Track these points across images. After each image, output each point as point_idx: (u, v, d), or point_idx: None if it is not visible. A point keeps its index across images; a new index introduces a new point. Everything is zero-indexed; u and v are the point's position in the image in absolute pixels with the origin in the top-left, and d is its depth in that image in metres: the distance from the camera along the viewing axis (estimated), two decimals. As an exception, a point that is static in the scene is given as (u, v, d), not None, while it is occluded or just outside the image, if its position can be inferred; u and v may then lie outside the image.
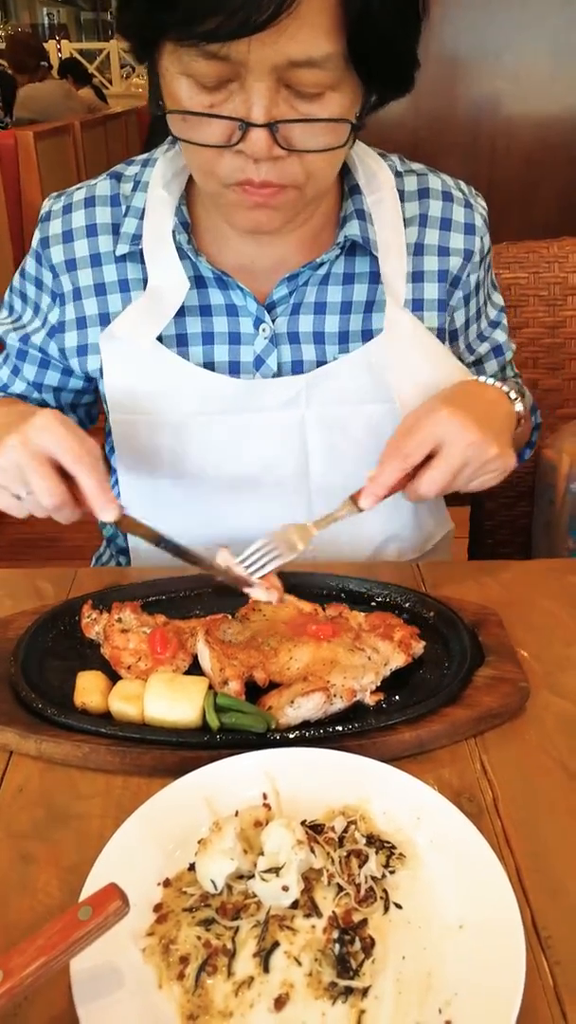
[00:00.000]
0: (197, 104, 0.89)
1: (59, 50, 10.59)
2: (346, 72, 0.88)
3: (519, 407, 1.05)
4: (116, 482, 1.21)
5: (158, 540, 0.94)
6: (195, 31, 0.81)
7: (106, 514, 0.91)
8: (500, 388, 1.05)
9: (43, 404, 1.24)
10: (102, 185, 1.15)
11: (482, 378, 1.07)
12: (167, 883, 0.67)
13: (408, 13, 0.89)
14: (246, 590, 0.93)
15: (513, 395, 1.05)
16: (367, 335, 1.13)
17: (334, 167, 0.99)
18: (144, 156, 1.16)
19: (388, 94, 0.96)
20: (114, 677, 0.87)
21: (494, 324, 1.26)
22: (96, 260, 1.13)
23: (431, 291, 1.15)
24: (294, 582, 1.03)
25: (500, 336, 1.26)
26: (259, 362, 1.13)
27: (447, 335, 1.18)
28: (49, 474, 0.91)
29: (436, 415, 0.94)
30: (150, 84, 0.97)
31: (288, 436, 1.13)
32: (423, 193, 1.14)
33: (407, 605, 0.99)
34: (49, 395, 1.24)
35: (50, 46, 10.43)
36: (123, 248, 1.11)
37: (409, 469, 0.94)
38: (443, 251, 1.14)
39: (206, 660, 0.86)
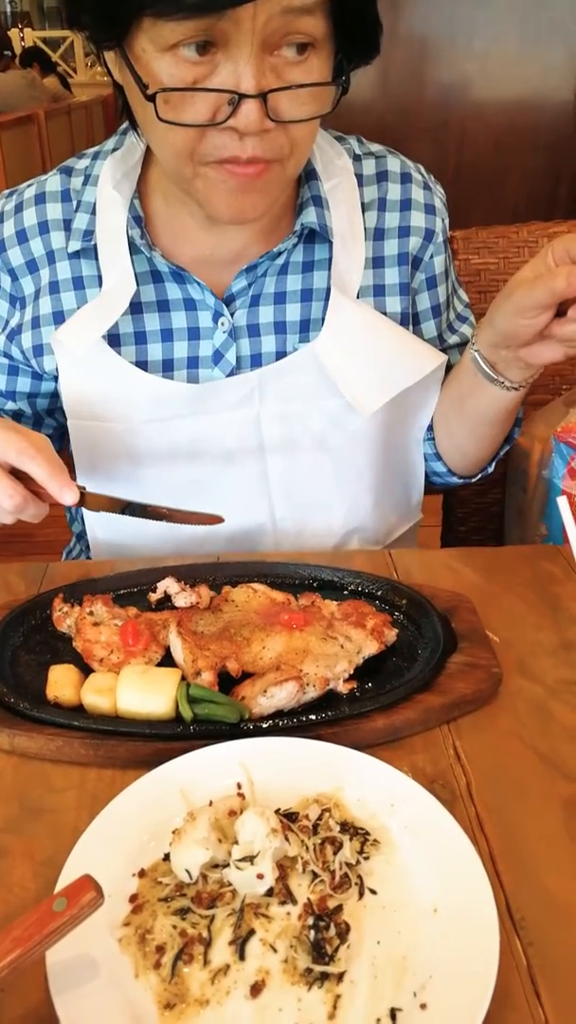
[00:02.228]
0: (180, 82, 0.86)
1: (22, 39, 10.43)
2: (327, 27, 0.89)
3: None
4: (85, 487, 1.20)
5: (133, 509, 0.97)
6: (185, 2, 0.80)
7: (66, 498, 0.92)
8: None
9: (18, 413, 1.21)
10: (52, 180, 1.13)
11: None
12: (142, 873, 0.67)
13: None
14: (174, 596, 0.95)
15: None
16: None
17: (314, 138, 0.99)
18: (94, 149, 1.14)
19: (359, 56, 0.95)
20: (86, 670, 0.87)
21: (462, 319, 1.26)
22: (51, 258, 1.11)
23: (392, 276, 1.14)
24: (266, 571, 1.04)
25: (467, 331, 1.25)
26: (218, 357, 1.12)
27: (411, 319, 1.18)
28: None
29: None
30: (117, 71, 0.95)
31: (244, 435, 1.12)
32: (381, 176, 1.14)
33: (379, 593, 1.00)
34: (24, 402, 1.20)
35: (12, 34, 10.27)
36: (75, 244, 1.09)
37: None
38: (403, 232, 1.14)
39: (178, 651, 0.86)
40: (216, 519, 0.98)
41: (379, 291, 1.14)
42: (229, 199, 0.95)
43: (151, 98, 0.88)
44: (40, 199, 1.12)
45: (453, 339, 1.24)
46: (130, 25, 0.86)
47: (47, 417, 1.24)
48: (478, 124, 3.67)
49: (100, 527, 1.20)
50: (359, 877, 0.66)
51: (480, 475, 1.26)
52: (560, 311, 0.93)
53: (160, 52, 0.86)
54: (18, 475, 0.93)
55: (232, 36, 0.83)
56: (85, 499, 0.94)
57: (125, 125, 1.06)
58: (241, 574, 1.03)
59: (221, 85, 0.86)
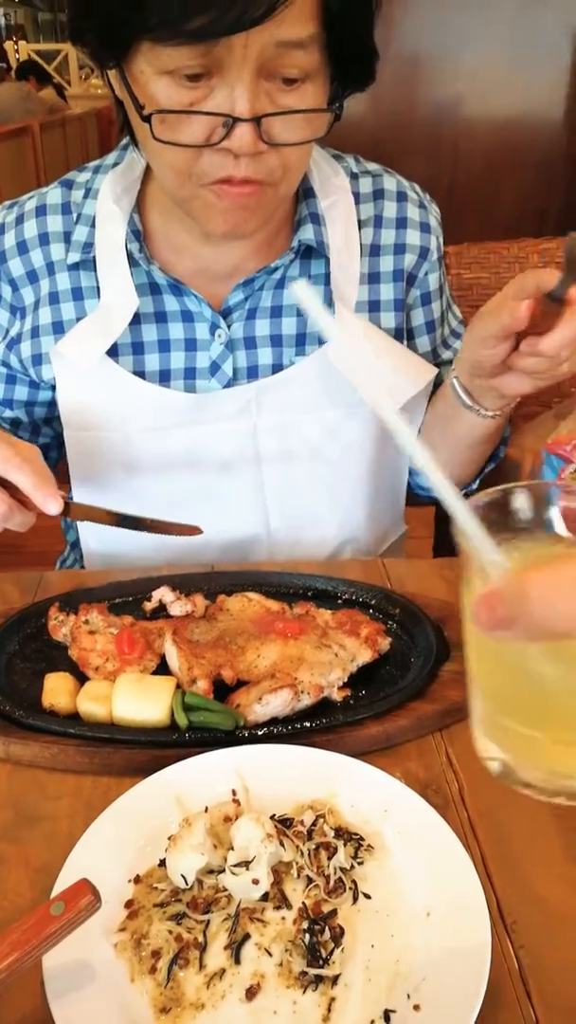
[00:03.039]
0: (176, 103, 0.88)
1: (16, 51, 10.51)
2: (321, 59, 0.90)
3: None
4: (71, 497, 1.20)
5: (117, 520, 0.97)
6: (182, 29, 0.81)
7: (49, 507, 0.92)
8: None
9: (16, 421, 1.22)
10: (53, 193, 1.14)
11: None
12: (138, 879, 0.67)
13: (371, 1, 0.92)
14: (169, 605, 0.96)
15: None
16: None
17: (307, 161, 1.01)
18: (95, 163, 1.16)
19: (353, 84, 0.97)
20: (82, 678, 0.87)
21: (456, 335, 1.28)
22: (50, 269, 1.13)
23: (387, 291, 1.16)
24: (260, 581, 1.04)
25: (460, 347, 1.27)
26: (215, 368, 1.13)
27: (405, 334, 1.20)
28: None
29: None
30: (118, 88, 0.96)
31: (240, 445, 1.13)
32: (377, 195, 1.16)
33: (373, 602, 1.01)
34: (21, 411, 1.21)
35: (8, 47, 10.35)
36: (75, 256, 1.10)
37: None
38: (399, 249, 1.15)
39: (174, 660, 0.86)
40: (195, 530, 0.99)
41: (375, 307, 1.15)
42: (223, 216, 0.97)
43: (147, 118, 0.89)
44: (41, 211, 1.13)
45: (447, 355, 1.26)
46: (130, 47, 0.88)
47: (44, 426, 1.24)
48: (470, 142, 3.70)
49: (94, 537, 1.21)
50: (353, 882, 0.67)
51: (464, 492, 1.27)
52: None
53: (158, 74, 0.88)
54: (5, 484, 0.94)
55: (227, 62, 0.85)
56: (69, 509, 0.94)
57: (126, 140, 1.08)
58: (236, 583, 1.04)
59: (216, 108, 0.88)
